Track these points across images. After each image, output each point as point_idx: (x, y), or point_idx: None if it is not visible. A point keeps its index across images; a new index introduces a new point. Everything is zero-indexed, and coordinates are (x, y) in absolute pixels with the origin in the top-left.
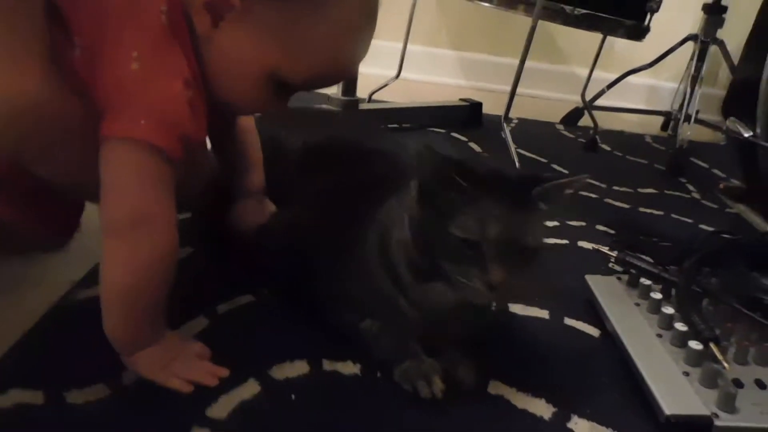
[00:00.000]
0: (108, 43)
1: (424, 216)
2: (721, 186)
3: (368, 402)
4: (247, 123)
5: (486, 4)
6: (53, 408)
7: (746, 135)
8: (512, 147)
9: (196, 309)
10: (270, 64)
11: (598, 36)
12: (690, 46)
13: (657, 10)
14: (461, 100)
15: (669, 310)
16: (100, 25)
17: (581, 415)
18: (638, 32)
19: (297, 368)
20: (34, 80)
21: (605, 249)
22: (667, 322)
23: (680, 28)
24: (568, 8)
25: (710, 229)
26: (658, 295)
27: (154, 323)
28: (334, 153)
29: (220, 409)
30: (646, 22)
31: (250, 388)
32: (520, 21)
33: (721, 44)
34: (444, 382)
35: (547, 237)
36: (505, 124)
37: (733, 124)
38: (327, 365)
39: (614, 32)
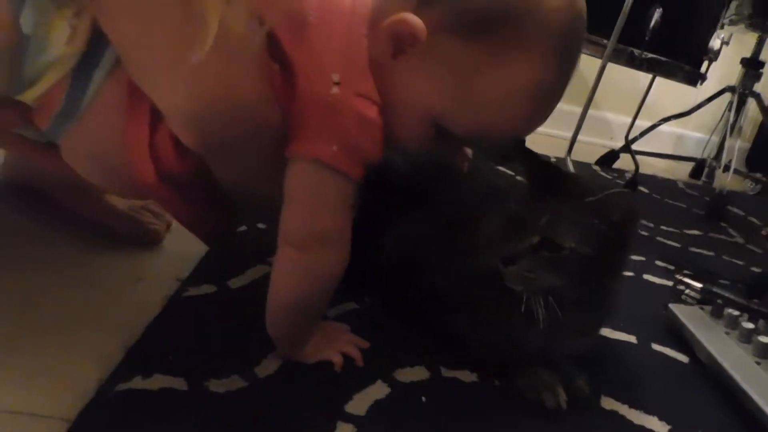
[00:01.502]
0: (309, 62)
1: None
2: (764, 233)
3: (490, 408)
4: None
5: None
6: (197, 394)
7: None
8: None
9: None
10: (435, 110)
11: (631, 83)
12: (722, 98)
13: (715, 59)
14: None
15: (765, 339)
16: (301, 41)
17: None
18: (695, 78)
19: (418, 373)
20: (251, 79)
21: (688, 279)
22: (764, 351)
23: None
24: (636, 51)
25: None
26: (749, 324)
27: (315, 324)
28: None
29: (357, 406)
30: (703, 69)
31: (380, 389)
32: None
33: (758, 97)
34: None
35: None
36: (569, 159)
37: None
38: (446, 372)
39: (673, 76)
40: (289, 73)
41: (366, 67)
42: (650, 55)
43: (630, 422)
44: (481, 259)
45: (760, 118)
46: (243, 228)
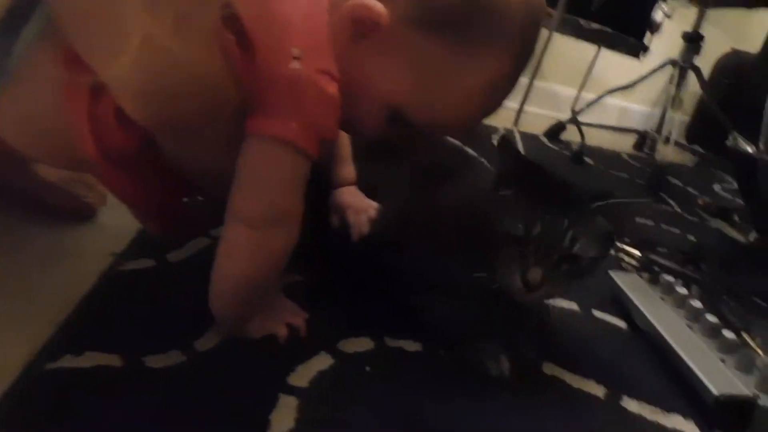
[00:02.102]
0: (268, 35)
1: (489, 204)
2: (700, 201)
3: (435, 377)
4: None
5: None
6: (133, 370)
7: (750, 151)
8: (522, 149)
9: None
10: (394, 100)
11: (578, 56)
12: (665, 70)
13: (658, 30)
14: None
15: (696, 303)
16: (261, 13)
17: (631, 395)
18: (638, 49)
19: (362, 344)
20: (203, 53)
21: (627, 247)
22: (696, 315)
23: (653, 54)
24: (583, 21)
25: (696, 239)
26: (683, 290)
27: (261, 300)
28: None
29: (300, 377)
30: (646, 40)
31: (323, 360)
32: None
33: (697, 71)
34: (509, 361)
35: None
36: (516, 131)
37: (735, 141)
38: (390, 342)
39: (618, 47)
40: (247, 47)
41: (327, 42)
42: (596, 26)
43: (569, 386)
44: (493, 284)
45: (700, 91)
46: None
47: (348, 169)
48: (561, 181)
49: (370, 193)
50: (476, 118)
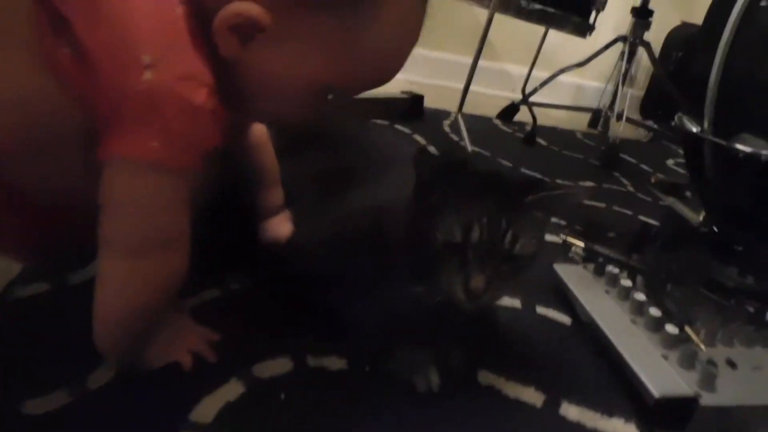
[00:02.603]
0: (110, 43)
1: (416, 215)
2: (653, 179)
3: (360, 397)
4: (261, 136)
5: None
6: (8, 420)
7: (694, 130)
8: (467, 140)
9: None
10: (320, 80)
11: (531, 35)
12: (617, 47)
13: (602, 9)
14: (402, 92)
15: (640, 296)
16: (99, 17)
17: (570, 401)
18: (584, 29)
19: (280, 365)
20: (19, 72)
21: (571, 239)
22: (639, 308)
23: (605, 31)
24: (523, 2)
25: (648, 220)
26: (628, 282)
27: (155, 327)
28: (309, 138)
29: (205, 411)
30: (591, 20)
31: (233, 389)
32: (456, 15)
33: (647, 46)
34: (439, 375)
35: (538, 247)
36: (459, 116)
37: (681, 119)
38: (312, 361)
39: (562, 27)
40: (85, 59)
41: (188, 42)
42: (537, 6)
43: (506, 396)
44: (435, 297)
45: (651, 66)
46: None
47: (275, 194)
48: (490, 175)
49: None
50: (396, 68)
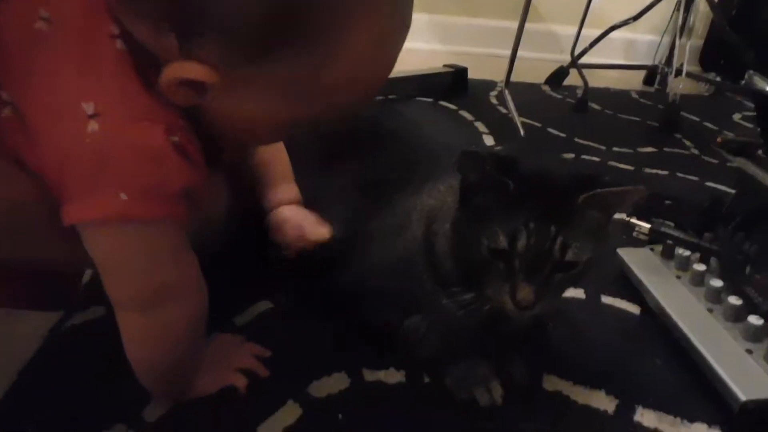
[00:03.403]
0: (44, 96)
1: (462, 219)
2: (719, 140)
3: (418, 411)
4: None
5: None
6: None
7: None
8: (516, 115)
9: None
10: (285, 119)
11: None
12: None
13: None
14: (445, 66)
15: (716, 282)
16: (32, 70)
17: (645, 406)
18: None
19: (336, 382)
20: None
21: (634, 220)
22: (717, 296)
23: None
24: None
25: (717, 186)
26: (700, 266)
27: (196, 359)
28: (353, 137)
29: None
30: None
31: (290, 412)
32: None
33: None
34: (502, 387)
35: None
36: (507, 91)
37: (751, 77)
38: (368, 375)
39: None
40: (24, 121)
41: (133, 79)
42: None
43: (574, 403)
44: (483, 305)
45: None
46: None
47: (285, 189)
48: (540, 174)
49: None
50: (379, 77)
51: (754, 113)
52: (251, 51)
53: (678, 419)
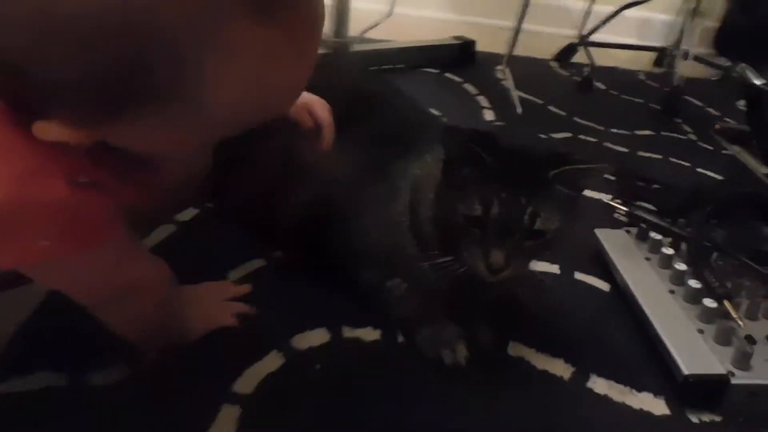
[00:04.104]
0: None
1: (443, 189)
2: (717, 127)
3: (390, 368)
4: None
5: None
6: (78, 391)
7: (757, 83)
8: (514, 92)
9: (204, 277)
10: (189, 144)
11: None
12: None
13: None
14: (454, 38)
15: (681, 266)
16: None
17: (599, 374)
18: None
19: (318, 337)
20: None
21: (615, 202)
22: (680, 278)
23: None
24: None
25: (707, 173)
26: (669, 251)
27: (176, 316)
28: (352, 100)
29: (246, 383)
30: None
31: (274, 361)
32: None
33: None
34: (467, 348)
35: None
36: (508, 70)
37: (743, 70)
38: (347, 332)
39: None
40: None
41: (17, 133)
42: None
43: (533, 368)
44: (458, 268)
45: None
46: None
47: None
48: (516, 151)
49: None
50: (287, 92)
51: (746, 105)
52: (105, 111)
53: (627, 388)
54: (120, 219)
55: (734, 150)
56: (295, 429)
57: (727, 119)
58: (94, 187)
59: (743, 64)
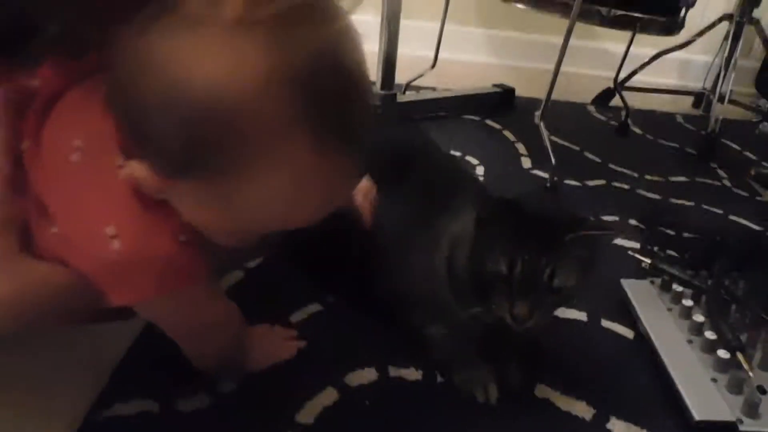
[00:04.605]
0: (78, 223)
1: (475, 246)
2: (752, 172)
3: (429, 405)
4: None
5: (521, 6)
6: (167, 415)
7: None
8: (548, 144)
9: (268, 318)
10: (219, 227)
11: None
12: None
13: (692, 5)
14: (494, 86)
15: (699, 317)
16: (68, 201)
17: (619, 417)
18: (671, 27)
19: (367, 375)
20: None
21: (639, 256)
22: (698, 329)
23: (713, 4)
24: (603, 10)
25: (740, 220)
26: (689, 302)
27: (242, 349)
28: (398, 155)
29: (307, 414)
30: (681, 16)
31: (329, 395)
32: None
33: (756, 24)
34: (498, 389)
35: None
36: (542, 124)
37: (765, 127)
38: (393, 371)
39: (647, 30)
40: (66, 238)
41: (138, 200)
42: (620, 12)
43: (558, 409)
44: (488, 317)
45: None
46: None
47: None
48: (538, 216)
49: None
50: (316, 207)
51: None
52: (175, 167)
53: (644, 430)
54: (205, 268)
55: None
56: None
57: (765, 163)
58: (188, 243)
59: (765, 122)
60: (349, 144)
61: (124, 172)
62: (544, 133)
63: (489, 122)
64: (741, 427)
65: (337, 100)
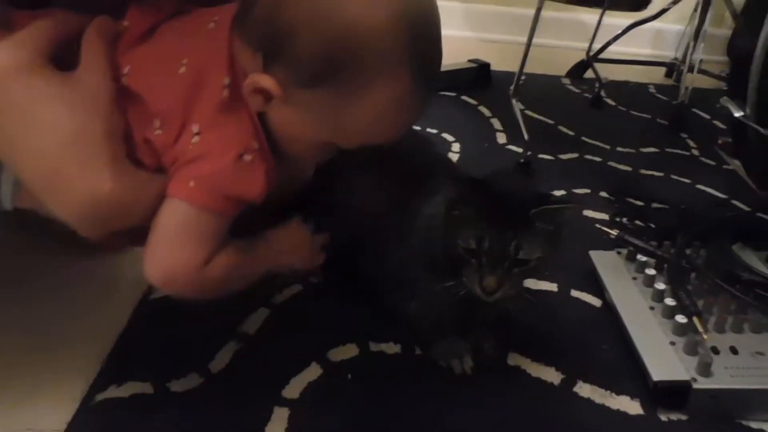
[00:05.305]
0: (178, 119)
1: (447, 226)
2: (720, 142)
3: (409, 377)
4: None
5: None
6: (162, 396)
7: (737, 114)
8: (521, 119)
9: (256, 301)
10: (321, 139)
11: None
12: None
13: None
14: (470, 61)
15: (661, 285)
16: (173, 102)
17: (585, 380)
18: (640, 3)
19: (349, 351)
20: (105, 185)
21: (606, 229)
22: (659, 296)
23: None
24: None
25: (707, 189)
26: (652, 271)
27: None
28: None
29: (293, 390)
30: None
31: (314, 371)
32: None
33: None
34: (473, 359)
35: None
36: (514, 101)
37: (725, 102)
38: (373, 346)
39: (617, 6)
40: (167, 132)
41: (229, 111)
42: None
43: (528, 376)
44: (461, 290)
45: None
46: None
47: None
48: (504, 194)
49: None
50: (397, 130)
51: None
52: (305, 79)
53: (608, 392)
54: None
55: (735, 164)
56: (333, 427)
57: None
58: (251, 164)
59: (725, 97)
60: (431, 83)
61: (248, 82)
62: (517, 108)
63: (465, 98)
64: (695, 385)
65: (431, 49)
